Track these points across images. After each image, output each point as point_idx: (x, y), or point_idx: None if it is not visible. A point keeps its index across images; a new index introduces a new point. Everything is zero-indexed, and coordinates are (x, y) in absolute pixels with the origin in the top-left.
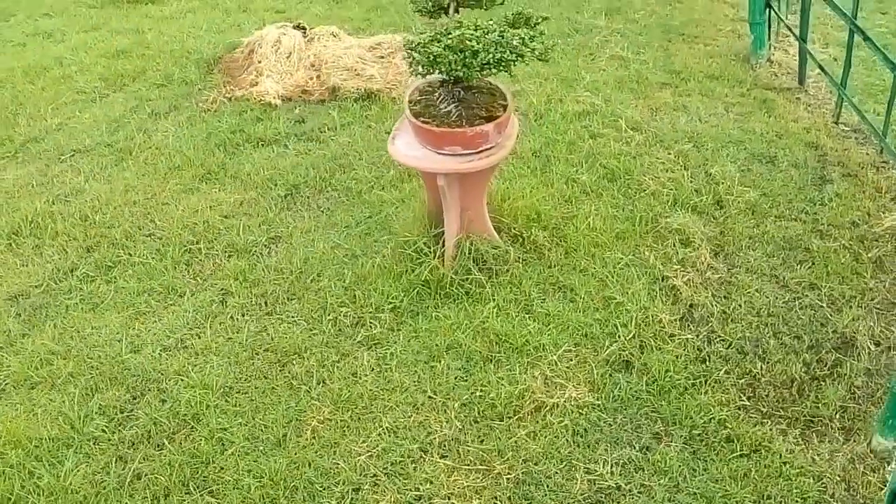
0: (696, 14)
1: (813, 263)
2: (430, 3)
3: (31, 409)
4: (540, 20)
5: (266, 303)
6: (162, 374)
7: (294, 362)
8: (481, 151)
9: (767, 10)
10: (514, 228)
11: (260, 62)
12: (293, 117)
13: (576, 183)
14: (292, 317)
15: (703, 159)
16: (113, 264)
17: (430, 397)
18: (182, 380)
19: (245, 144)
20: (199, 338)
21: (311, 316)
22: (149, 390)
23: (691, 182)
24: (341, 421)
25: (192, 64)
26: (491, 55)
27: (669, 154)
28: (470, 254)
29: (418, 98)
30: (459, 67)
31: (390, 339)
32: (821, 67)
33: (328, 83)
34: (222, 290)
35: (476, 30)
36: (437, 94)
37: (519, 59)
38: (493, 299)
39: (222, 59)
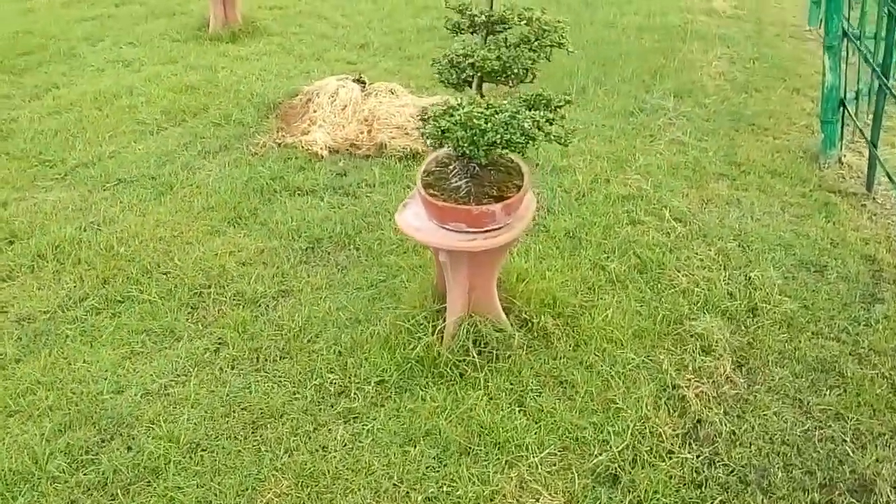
0: (771, 105)
1: (844, 390)
2: (454, 76)
3: (2, 438)
4: (563, 102)
5: (258, 358)
6: (136, 420)
7: (268, 426)
8: (487, 231)
9: (841, 108)
10: (526, 312)
11: (315, 112)
12: (336, 170)
13: (603, 270)
14: (279, 377)
15: (745, 260)
16: (123, 299)
17: (395, 485)
18: (153, 429)
19: (282, 192)
20: (183, 386)
21: (298, 378)
22: (119, 435)
23: (727, 284)
24: (298, 498)
25: (252, 106)
26: (499, 136)
27: (710, 250)
28: (470, 335)
29: (434, 169)
30: (467, 144)
31: (370, 415)
32: (889, 175)
33: (377, 139)
34: (219, 339)
35: (487, 108)
36: (452, 166)
37: (530, 141)
38: (486, 386)
39: (281, 105)
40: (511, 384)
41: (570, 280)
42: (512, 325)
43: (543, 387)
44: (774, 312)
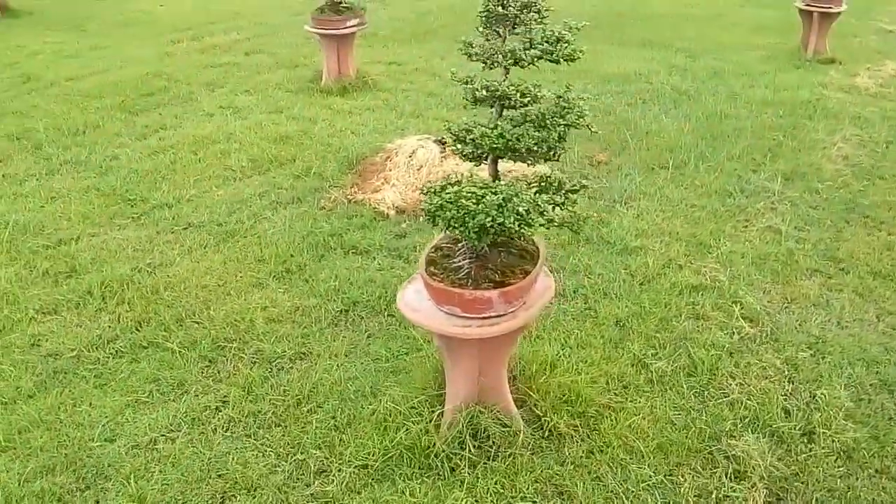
0: (894, 195)
1: None
2: (468, 149)
3: None
4: (578, 187)
5: (253, 422)
6: (116, 472)
7: (236, 499)
8: (483, 318)
9: None
10: (541, 406)
11: (391, 170)
12: (396, 231)
13: (645, 369)
14: (266, 445)
15: (815, 374)
16: (148, 345)
17: None
18: (126, 485)
19: (336, 249)
20: (172, 443)
21: (283, 450)
22: (95, 485)
23: (786, 400)
24: None
25: (336, 160)
26: (491, 218)
27: (777, 358)
28: (468, 426)
29: (444, 244)
30: (457, 225)
31: (343, 501)
32: None
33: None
34: (224, 397)
35: (483, 188)
36: (460, 244)
37: (525, 226)
38: (474, 487)
39: (363, 161)
40: (502, 488)
41: (602, 375)
42: (522, 419)
43: (539, 496)
44: (834, 440)
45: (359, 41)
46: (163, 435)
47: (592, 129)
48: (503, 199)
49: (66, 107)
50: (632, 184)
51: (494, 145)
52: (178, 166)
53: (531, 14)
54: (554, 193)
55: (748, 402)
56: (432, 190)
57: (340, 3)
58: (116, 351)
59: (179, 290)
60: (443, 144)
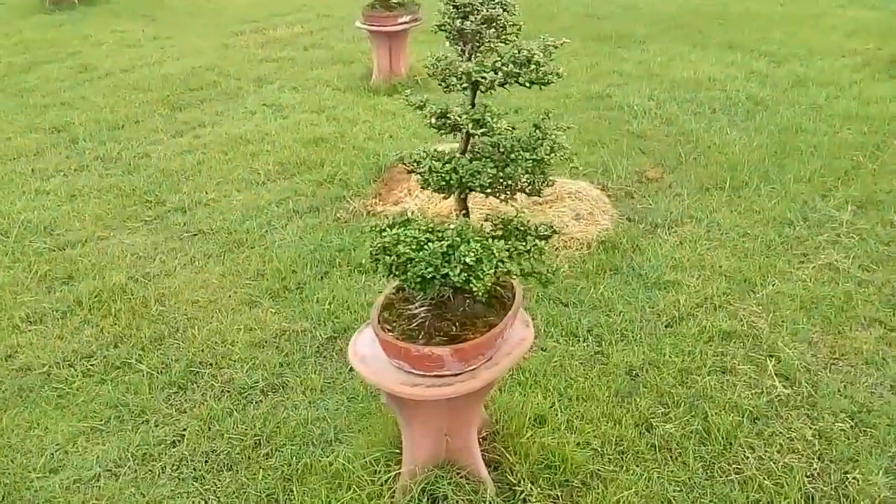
0: None
1: None
2: (434, 181)
3: None
4: (549, 232)
5: (205, 463)
6: None
7: None
8: (435, 376)
9: None
10: (516, 472)
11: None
12: None
13: (650, 431)
14: (210, 492)
15: (851, 452)
16: (120, 365)
17: None
18: None
19: (342, 267)
20: (115, 480)
21: (226, 499)
22: None
23: (811, 482)
24: None
25: (365, 167)
26: (433, 268)
27: (809, 428)
28: (425, 493)
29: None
30: (398, 273)
31: None
32: None
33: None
34: (182, 431)
35: (428, 231)
36: None
37: (474, 280)
38: None
39: (392, 168)
40: None
41: (598, 436)
42: (495, 483)
43: None
44: None
45: (415, 38)
46: (108, 470)
47: (572, 165)
48: (448, 246)
49: (113, 99)
50: (680, 205)
51: (444, 181)
52: (205, 167)
53: (490, 31)
54: (517, 239)
55: (764, 482)
56: (377, 229)
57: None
58: (87, 370)
59: (169, 304)
60: None
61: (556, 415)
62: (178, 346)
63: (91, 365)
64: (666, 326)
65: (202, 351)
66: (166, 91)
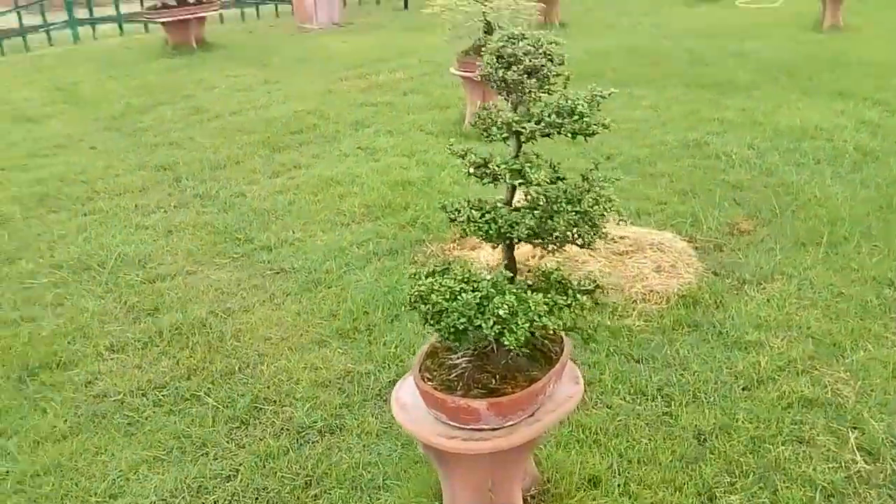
0: None
1: None
2: (484, 229)
3: None
4: (592, 286)
5: (255, 500)
6: None
7: None
8: (473, 429)
9: None
10: None
11: None
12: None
13: (712, 503)
14: None
15: None
16: (190, 397)
17: None
18: None
19: (397, 319)
20: None
21: None
22: None
23: None
24: None
25: None
26: (466, 320)
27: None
28: None
29: None
30: (433, 323)
31: None
32: None
33: (546, 266)
34: (238, 466)
35: (464, 281)
36: None
37: (508, 335)
38: None
39: None
40: None
41: None
42: None
43: None
44: None
45: None
46: (163, 499)
47: (620, 218)
48: (482, 297)
49: (218, 140)
50: (771, 261)
51: (482, 232)
52: (294, 207)
53: (532, 81)
54: (558, 293)
55: None
56: (418, 274)
57: (483, 46)
58: (158, 400)
59: (243, 339)
60: None
61: (613, 477)
62: (246, 381)
63: (163, 395)
64: (743, 389)
65: (268, 388)
66: (268, 133)
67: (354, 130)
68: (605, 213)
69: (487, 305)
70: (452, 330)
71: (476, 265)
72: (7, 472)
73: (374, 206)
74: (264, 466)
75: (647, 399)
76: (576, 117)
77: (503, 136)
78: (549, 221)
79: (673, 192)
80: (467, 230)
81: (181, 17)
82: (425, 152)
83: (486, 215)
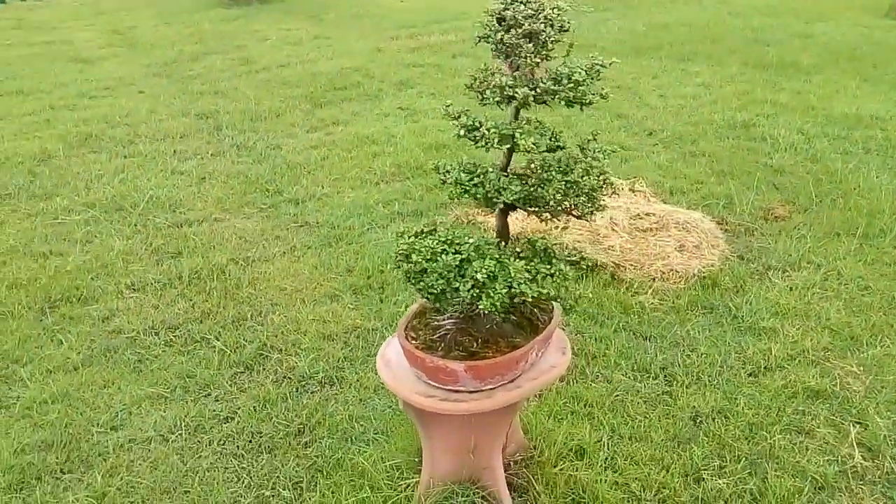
0: None
1: None
2: (480, 192)
3: None
4: (577, 258)
5: (248, 443)
6: (100, 464)
7: None
8: (450, 390)
9: None
10: (540, 502)
11: None
12: None
13: (698, 484)
14: (244, 471)
15: None
16: (201, 339)
17: None
18: (99, 479)
19: None
20: (165, 445)
21: (256, 480)
22: (75, 472)
23: None
24: None
25: None
26: (445, 282)
27: None
28: None
29: None
30: (414, 283)
31: None
32: None
33: (562, 241)
34: (237, 409)
35: (447, 243)
36: None
37: (485, 299)
38: None
39: None
40: None
41: (640, 480)
42: None
43: None
44: None
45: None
46: (161, 435)
47: (607, 193)
48: (462, 260)
49: (263, 92)
50: (801, 248)
51: (469, 195)
52: (327, 163)
53: (530, 45)
54: (541, 262)
55: None
56: (405, 233)
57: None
58: (169, 340)
59: (259, 287)
60: None
61: (600, 450)
62: (255, 328)
63: (174, 336)
64: (748, 375)
65: (275, 336)
66: (312, 88)
67: (398, 90)
68: (598, 185)
69: (467, 269)
70: (432, 291)
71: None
72: (17, 397)
73: (405, 167)
74: (261, 411)
75: (650, 377)
76: (570, 85)
77: (496, 99)
78: (539, 189)
79: (711, 172)
80: (454, 192)
81: None
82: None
83: (476, 178)
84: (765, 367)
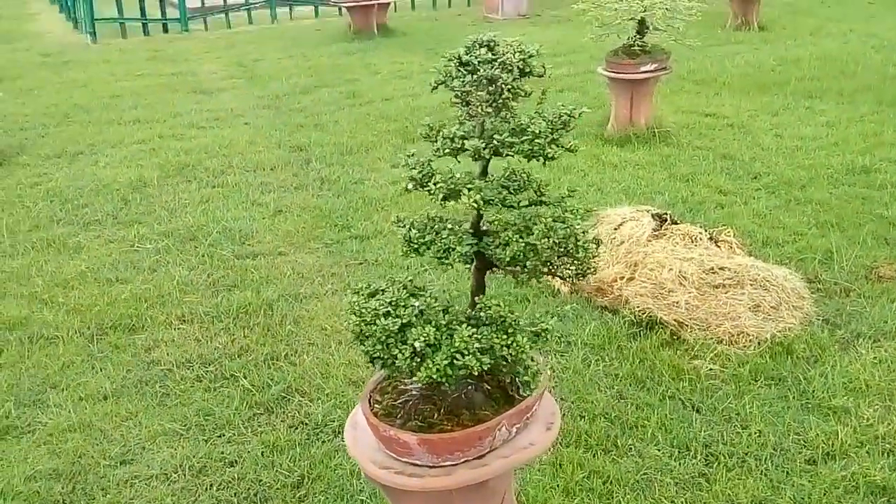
0: None
1: None
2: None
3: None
4: (538, 330)
5: (247, 491)
6: (101, 497)
7: None
8: (406, 462)
9: None
10: None
11: None
12: (554, 311)
13: None
14: None
15: None
16: (230, 377)
17: None
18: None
19: None
20: (165, 484)
21: None
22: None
23: None
24: None
25: None
26: (381, 348)
27: None
28: None
29: None
30: (359, 343)
31: None
32: None
33: (623, 293)
34: (244, 453)
35: (394, 304)
36: None
37: (424, 370)
38: None
39: None
40: None
41: None
42: None
43: None
44: None
45: (662, 88)
46: (164, 474)
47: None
48: (403, 325)
49: (360, 126)
50: None
51: (417, 252)
52: (403, 199)
53: (481, 94)
54: (496, 330)
55: None
56: (360, 290)
57: (633, 45)
58: (200, 376)
59: (301, 325)
60: (662, 221)
61: None
62: (285, 368)
63: (206, 371)
64: (805, 462)
65: (302, 378)
66: (407, 122)
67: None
68: (566, 248)
69: (407, 334)
70: (372, 356)
71: (558, 280)
72: (44, 423)
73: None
74: (267, 457)
75: (688, 455)
76: (526, 137)
77: (445, 151)
78: (497, 251)
79: (814, 223)
80: (403, 250)
81: (364, 3)
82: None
83: (427, 236)
84: (826, 454)
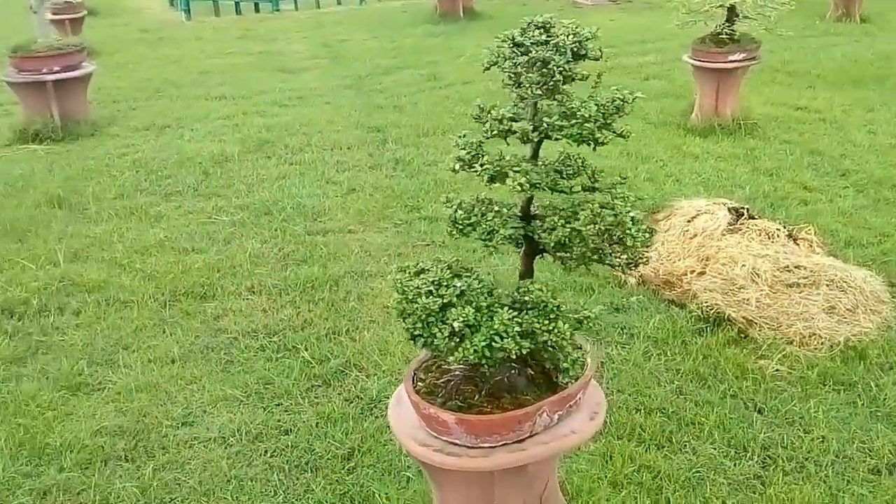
0: None
1: None
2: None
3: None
4: (580, 317)
5: (299, 460)
6: (160, 455)
7: None
8: (446, 441)
9: None
10: None
11: (659, 232)
12: (619, 303)
13: None
14: (283, 489)
15: None
16: (292, 348)
17: None
18: (153, 471)
19: None
20: (222, 448)
21: (290, 498)
22: (135, 461)
23: None
24: None
25: None
26: (421, 326)
27: None
28: None
29: None
30: (401, 321)
31: None
32: None
33: (692, 287)
34: (301, 422)
35: (437, 283)
36: None
37: (462, 350)
38: None
39: (653, 214)
40: None
41: None
42: None
43: None
44: None
45: (754, 76)
46: (222, 437)
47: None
48: (444, 304)
49: (439, 108)
50: None
51: (465, 234)
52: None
53: (531, 75)
54: (538, 315)
55: None
56: (405, 269)
57: (721, 34)
58: (264, 346)
59: (364, 302)
60: (739, 215)
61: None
62: (345, 343)
63: (270, 341)
64: (868, 471)
65: (361, 354)
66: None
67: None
68: (618, 235)
69: (446, 314)
70: (412, 333)
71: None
72: (114, 383)
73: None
74: (321, 428)
75: (745, 456)
76: (576, 121)
77: (493, 133)
78: (544, 235)
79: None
80: (449, 230)
81: None
82: (637, 142)
83: (473, 217)
84: (891, 464)
